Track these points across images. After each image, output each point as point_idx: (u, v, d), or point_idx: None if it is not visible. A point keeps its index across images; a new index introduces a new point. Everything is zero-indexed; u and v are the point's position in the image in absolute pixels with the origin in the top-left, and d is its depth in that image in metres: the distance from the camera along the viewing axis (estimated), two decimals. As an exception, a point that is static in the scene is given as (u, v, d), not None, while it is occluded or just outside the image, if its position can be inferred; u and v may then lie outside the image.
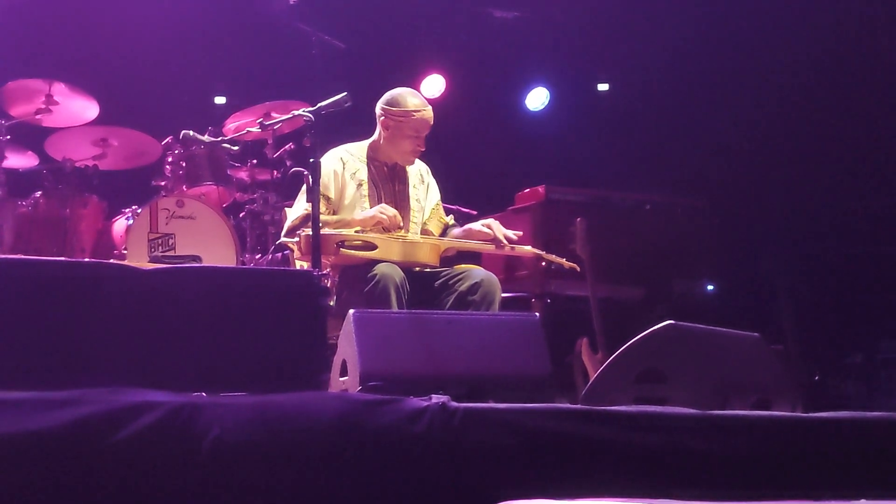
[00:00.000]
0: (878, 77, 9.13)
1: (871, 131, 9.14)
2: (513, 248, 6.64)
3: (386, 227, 6.36)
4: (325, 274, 6.18)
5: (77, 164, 8.38)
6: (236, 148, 7.24)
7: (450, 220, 6.93)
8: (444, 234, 6.81)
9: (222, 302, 4.60)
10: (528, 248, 6.95)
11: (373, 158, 6.70)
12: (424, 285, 6.36)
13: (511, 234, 6.62)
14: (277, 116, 7.42)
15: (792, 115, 9.49)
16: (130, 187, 8.95)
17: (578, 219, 7.78)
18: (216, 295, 4.61)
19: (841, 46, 9.23)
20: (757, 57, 9.70)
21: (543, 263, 7.15)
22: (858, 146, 9.23)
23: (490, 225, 6.62)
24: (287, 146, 8.57)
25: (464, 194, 8.33)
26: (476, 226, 6.67)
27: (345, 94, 6.14)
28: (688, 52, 9.93)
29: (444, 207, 7.08)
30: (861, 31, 9.18)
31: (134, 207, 8.23)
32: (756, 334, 5.69)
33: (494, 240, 6.55)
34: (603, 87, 10.87)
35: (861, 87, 9.23)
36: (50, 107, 8.32)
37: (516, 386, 5.26)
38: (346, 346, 5.25)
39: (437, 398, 4.09)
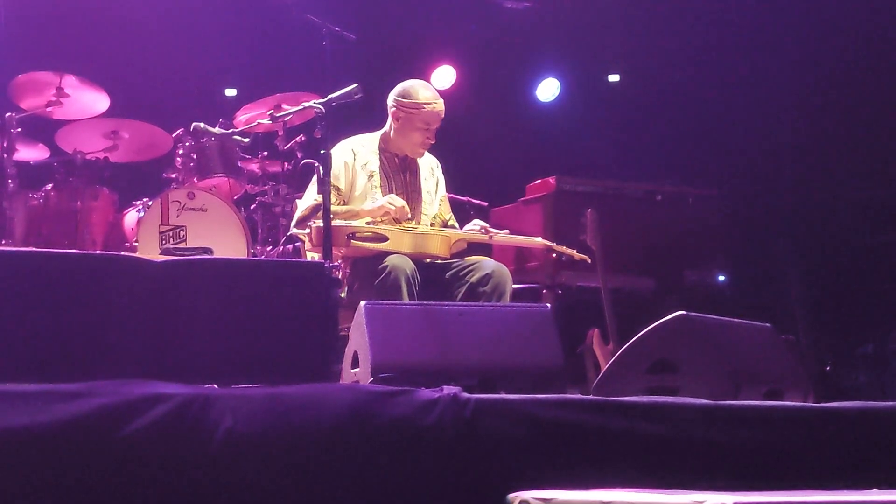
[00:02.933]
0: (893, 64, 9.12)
1: (884, 121, 9.12)
2: (493, 235, 6.64)
3: (395, 218, 6.37)
4: (336, 265, 6.18)
5: (88, 157, 8.38)
6: (247, 140, 7.23)
7: (450, 219, 6.90)
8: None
9: (233, 294, 4.60)
10: (539, 239, 6.96)
11: (384, 150, 6.70)
12: (435, 277, 6.37)
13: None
14: (288, 108, 7.42)
15: (804, 105, 9.48)
16: (141, 179, 8.96)
17: (589, 209, 7.77)
18: (227, 287, 4.61)
19: (853, 36, 9.21)
20: (768, 47, 9.68)
21: (554, 254, 7.15)
22: (871, 136, 9.21)
23: (475, 222, 6.66)
24: (298, 138, 8.57)
25: (475, 186, 8.33)
26: (467, 227, 6.70)
27: (355, 85, 6.13)
28: (699, 42, 9.92)
29: (455, 199, 7.07)
30: (872, 22, 9.16)
31: (145, 200, 8.24)
32: (767, 325, 5.70)
33: (485, 229, 6.57)
34: (613, 77, 10.85)
35: (876, 75, 9.20)
36: (61, 99, 8.32)
37: (528, 377, 5.26)
38: (358, 337, 5.26)
39: (448, 389, 4.10)
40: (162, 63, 9.58)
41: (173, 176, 8.53)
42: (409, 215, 6.49)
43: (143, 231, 7.95)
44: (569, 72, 10.77)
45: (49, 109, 8.34)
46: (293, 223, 6.63)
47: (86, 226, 8.19)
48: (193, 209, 8.05)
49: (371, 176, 6.60)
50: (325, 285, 4.80)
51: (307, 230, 6.24)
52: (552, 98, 10.76)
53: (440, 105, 6.62)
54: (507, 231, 6.92)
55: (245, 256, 7.89)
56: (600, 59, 10.80)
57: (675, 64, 10.09)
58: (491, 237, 6.65)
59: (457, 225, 6.86)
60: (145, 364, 4.31)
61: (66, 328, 4.33)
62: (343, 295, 6.28)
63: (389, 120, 6.68)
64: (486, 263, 6.40)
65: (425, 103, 6.58)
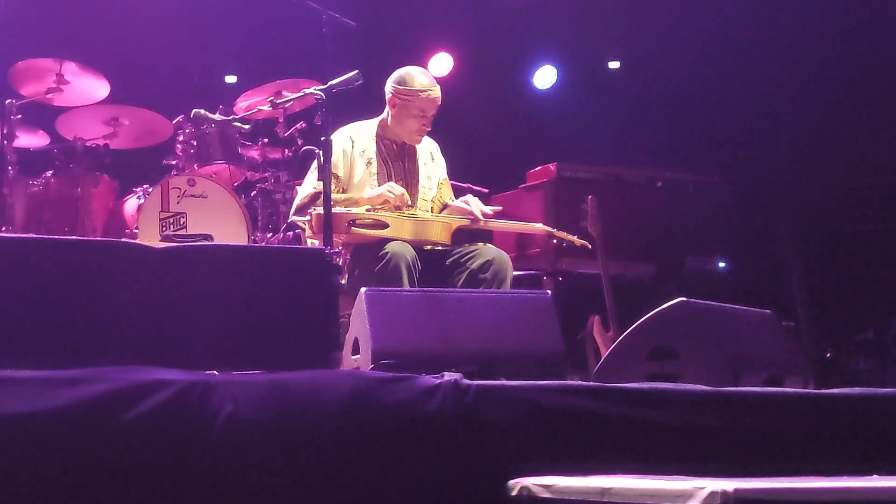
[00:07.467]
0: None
1: (885, 107, 9.12)
2: (485, 222, 6.57)
3: (395, 205, 6.36)
4: (336, 252, 6.18)
5: (88, 144, 8.38)
6: (247, 127, 7.23)
7: (450, 200, 6.88)
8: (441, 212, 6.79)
9: (234, 280, 4.60)
10: (540, 225, 6.95)
11: (382, 137, 6.69)
12: (436, 263, 6.36)
13: (488, 209, 6.59)
14: (288, 95, 7.41)
15: (805, 91, 9.47)
16: (141, 166, 8.95)
17: (590, 196, 7.77)
18: (228, 273, 4.61)
19: (854, 23, 9.20)
20: (769, 34, 9.67)
21: (555, 241, 7.15)
22: (872, 122, 9.21)
23: (467, 200, 6.60)
24: (298, 124, 8.55)
25: (475, 173, 8.32)
26: (457, 203, 6.66)
27: (356, 72, 6.11)
28: (699, 28, 9.90)
29: (455, 186, 7.06)
30: (873, 10, 9.16)
31: (145, 186, 8.23)
32: (768, 311, 5.70)
33: (471, 214, 6.52)
34: (614, 64, 10.83)
35: (878, 62, 9.20)
36: (61, 86, 8.31)
37: (528, 363, 5.26)
38: (359, 324, 5.26)
39: (449, 376, 4.10)
40: (162, 50, 9.57)
41: (173, 163, 8.52)
42: (410, 202, 6.48)
43: (143, 218, 7.94)
44: (570, 58, 10.76)
45: (49, 96, 8.34)
46: (292, 211, 6.62)
47: (86, 212, 8.19)
48: (194, 196, 8.04)
49: (369, 163, 6.59)
50: (325, 272, 4.80)
51: (307, 217, 6.23)
52: (549, 86, 10.74)
53: (436, 92, 6.59)
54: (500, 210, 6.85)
55: (245, 243, 7.88)
56: (600, 46, 10.79)
57: (676, 50, 10.07)
58: (481, 224, 6.57)
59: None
60: (146, 350, 4.31)
61: (67, 315, 4.33)
62: (343, 281, 6.27)
63: (387, 107, 6.67)
64: (487, 250, 6.40)
65: (421, 90, 6.56)
